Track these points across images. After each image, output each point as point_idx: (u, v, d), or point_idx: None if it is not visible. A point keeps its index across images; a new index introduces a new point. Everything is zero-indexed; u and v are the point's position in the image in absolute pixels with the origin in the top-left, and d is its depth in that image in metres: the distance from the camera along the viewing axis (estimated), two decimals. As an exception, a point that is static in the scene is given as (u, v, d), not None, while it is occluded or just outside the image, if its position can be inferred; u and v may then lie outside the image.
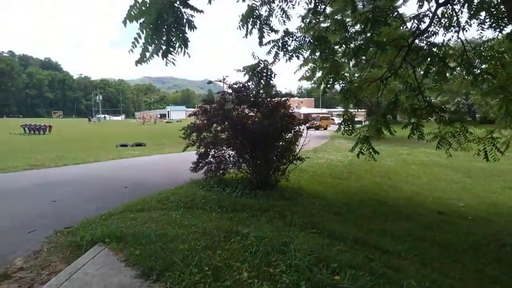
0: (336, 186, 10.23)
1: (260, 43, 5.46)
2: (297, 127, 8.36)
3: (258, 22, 5.46)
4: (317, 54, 6.34)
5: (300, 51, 5.71)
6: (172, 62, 4.39)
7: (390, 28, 6.37)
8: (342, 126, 6.78)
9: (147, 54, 4.17)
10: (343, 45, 6.24)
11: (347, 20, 7.03)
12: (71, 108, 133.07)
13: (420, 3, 6.19)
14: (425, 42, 6.39)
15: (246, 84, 8.01)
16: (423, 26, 6.14)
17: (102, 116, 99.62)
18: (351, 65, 7.43)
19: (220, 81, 8.96)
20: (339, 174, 12.19)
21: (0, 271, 3.46)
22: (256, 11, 5.48)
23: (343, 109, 7.23)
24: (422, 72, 6.49)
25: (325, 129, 45.99)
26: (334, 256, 3.72)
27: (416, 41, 6.48)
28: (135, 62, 4.16)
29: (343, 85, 6.58)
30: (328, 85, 6.36)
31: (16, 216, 5.55)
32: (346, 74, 7.18)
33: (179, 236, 4.03)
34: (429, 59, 5.90)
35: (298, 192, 8.44)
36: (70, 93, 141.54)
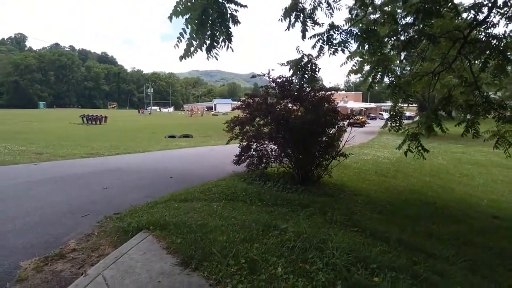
0: (381, 184, 9.89)
1: (303, 37, 5.35)
2: (341, 122, 8.17)
3: (302, 15, 5.36)
4: (365, 47, 6.10)
5: (347, 44, 5.53)
6: (215, 57, 4.46)
7: (444, 20, 5.97)
8: (389, 122, 6.52)
9: (192, 49, 4.26)
10: (393, 38, 5.96)
11: (397, 11, 6.70)
12: (125, 100, 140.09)
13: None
14: (483, 33, 5.91)
15: (290, 79, 7.99)
16: (481, 16, 5.69)
17: (154, 108, 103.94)
18: (401, 58, 7.10)
19: (264, 75, 8.96)
20: (385, 172, 11.77)
21: (56, 251, 3.75)
22: (300, 5, 5.39)
23: (392, 104, 6.93)
24: (479, 66, 6.04)
25: (362, 126, 33.79)
26: (374, 256, 3.62)
27: (474, 32, 6.02)
28: (179, 57, 4.28)
29: (392, 79, 6.29)
30: (376, 80, 6.11)
31: (72, 201, 5.98)
32: (395, 68, 6.87)
33: (218, 227, 4.12)
34: (487, 52, 5.47)
35: (341, 188, 8.28)
36: (124, 86, 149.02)
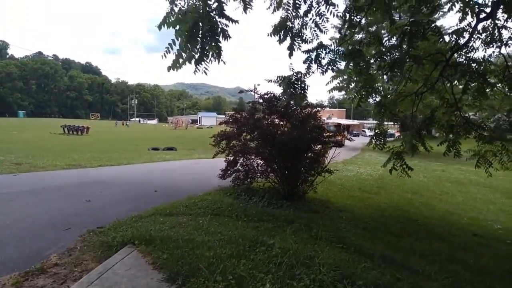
0: (364, 200, 10.01)
1: (290, 55, 5.48)
2: (326, 139, 8.29)
3: (290, 34, 5.49)
4: (351, 67, 6.28)
5: (335, 64, 5.68)
6: (205, 72, 4.49)
7: (428, 42, 6.22)
8: (373, 140, 6.66)
9: (180, 61, 4.28)
10: (378, 59, 6.15)
11: (382, 32, 6.94)
12: (108, 111, 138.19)
13: (463, 16, 6.00)
14: (464, 57, 6.18)
15: (277, 95, 8.10)
16: (462, 41, 5.96)
17: (137, 119, 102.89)
18: (385, 79, 7.32)
19: (251, 90, 9.05)
20: (368, 188, 11.93)
21: (37, 266, 3.64)
22: (289, 23, 5.52)
23: (375, 122, 7.10)
24: (460, 87, 6.28)
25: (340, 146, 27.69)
26: (360, 273, 3.65)
27: (455, 55, 6.29)
28: (167, 67, 4.29)
29: (378, 98, 6.47)
30: (363, 99, 6.26)
31: (54, 214, 5.83)
32: (380, 87, 7.07)
33: (205, 243, 4.09)
34: (468, 75, 5.71)
35: (326, 204, 8.33)
36: (108, 97, 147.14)
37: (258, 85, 9.00)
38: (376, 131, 6.66)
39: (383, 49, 6.14)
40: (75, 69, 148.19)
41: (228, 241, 4.22)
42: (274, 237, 4.62)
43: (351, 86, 7.83)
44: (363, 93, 6.42)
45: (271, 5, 5.87)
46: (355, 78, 6.77)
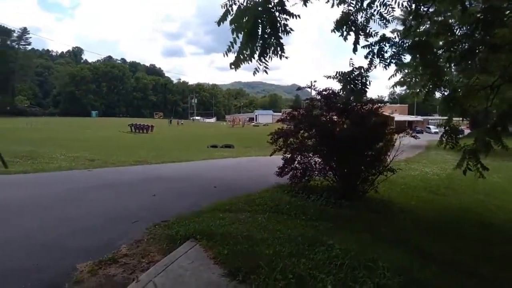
0: (430, 201, 9.41)
1: (355, 50, 5.27)
2: (389, 136, 7.91)
3: (354, 28, 5.29)
4: (417, 60, 5.90)
5: (399, 57, 5.37)
6: (265, 71, 4.51)
7: (507, 29, 5.63)
8: (444, 138, 6.21)
9: (241, 57, 4.34)
10: (449, 50, 5.70)
11: (451, 21, 6.43)
12: (170, 110, 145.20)
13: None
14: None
15: (336, 91, 7.90)
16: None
17: (197, 118, 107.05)
18: (453, 70, 6.78)
19: (308, 87, 8.93)
20: (434, 189, 11.19)
21: (109, 255, 3.91)
22: (352, 17, 5.32)
23: (441, 118, 6.61)
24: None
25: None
26: (427, 279, 3.43)
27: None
28: (230, 64, 4.37)
29: (446, 92, 6.00)
30: (429, 93, 5.86)
31: (123, 207, 6.25)
32: (449, 80, 6.56)
33: (264, 240, 4.11)
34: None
35: (387, 205, 7.98)
36: (170, 96, 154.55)
37: (315, 81, 8.90)
38: (446, 128, 6.20)
39: (454, 39, 5.67)
40: (140, 71, 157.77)
41: (287, 240, 4.20)
42: (333, 237, 4.50)
43: (416, 80, 7.37)
44: (430, 87, 6.01)
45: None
46: (421, 71, 6.36)
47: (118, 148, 20.72)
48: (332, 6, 5.61)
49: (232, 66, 4.33)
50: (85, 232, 4.83)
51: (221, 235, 4.24)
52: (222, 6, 4.27)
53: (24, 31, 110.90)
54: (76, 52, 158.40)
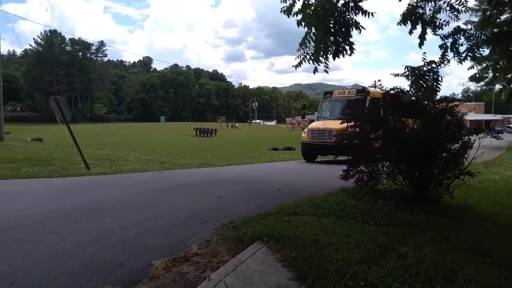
0: (516, 208, 8.48)
1: (421, 44, 4.97)
2: (466, 137, 7.30)
3: (421, 21, 4.99)
4: (498, 53, 5.38)
5: (476, 50, 4.95)
6: (325, 70, 4.46)
7: None
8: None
9: (307, 57, 4.34)
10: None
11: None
12: (232, 114, 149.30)
13: None
14: None
15: (404, 90, 7.49)
16: None
17: (258, 121, 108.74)
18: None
19: (373, 86, 8.57)
20: (520, 194, 10.07)
21: (181, 254, 4.11)
22: (419, 9, 5.02)
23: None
24: None
25: None
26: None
27: None
28: (295, 66, 4.40)
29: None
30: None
31: (192, 207, 6.53)
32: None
33: (332, 245, 4.02)
34: None
35: (464, 211, 7.35)
36: (232, 101, 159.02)
37: (379, 81, 8.45)
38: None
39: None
40: (204, 77, 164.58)
41: (355, 245, 4.06)
42: (406, 245, 4.26)
43: (496, 75, 6.73)
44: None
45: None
46: (503, 65, 5.79)
47: (185, 150, 21.78)
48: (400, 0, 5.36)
49: (297, 68, 4.35)
50: (159, 230, 5.13)
51: (288, 238, 4.23)
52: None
53: (101, 44, 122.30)
54: (146, 61, 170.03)
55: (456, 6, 5.11)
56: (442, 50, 5.21)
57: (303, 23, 4.30)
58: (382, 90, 8.11)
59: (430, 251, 4.07)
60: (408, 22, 5.00)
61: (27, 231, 5.02)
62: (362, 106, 12.77)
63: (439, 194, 7.53)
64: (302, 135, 17.19)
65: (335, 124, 12.85)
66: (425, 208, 6.88)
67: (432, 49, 5.40)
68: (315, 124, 16.47)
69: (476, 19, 7.56)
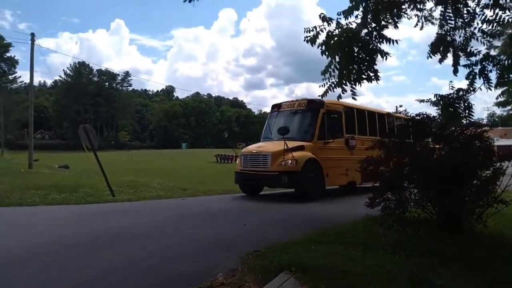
0: (556, 239, 7.98)
1: (455, 72, 4.93)
2: (497, 164, 7.05)
3: (451, 49, 4.97)
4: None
5: (506, 77, 4.86)
6: (353, 97, 4.47)
7: None
8: None
9: (333, 85, 4.37)
10: None
11: None
12: (252, 140, 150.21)
13: None
14: None
15: (431, 116, 7.38)
16: None
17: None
18: None
19: (400, 112, 8.49)
20: (559, 224, 9.50)
21: (207, 283, 4.05)
22: (449, 37, 5.02)
23: None
24: None
25: None
26: None
27: None
28: (321, 95, 4.43)
29: None
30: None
31: (216, 235, 6.50)
32: None
33: (362, 276, 3.89)
34: None
35: (501, 241, 6.97)
36: (252, 127, 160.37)
37: (401, 106, 8.37)
38: None
39: None
40: (224, 105, 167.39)
41: (387, 276, 3.92)
42: (441, 277, 4.07)
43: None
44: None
45: (418, 22, 5.47)
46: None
47: (206, 177, 21.91)
48: (421, 28, 5.39)
49: (323, 96, 4.37)
50: (184, 258, 5.10)
51: (316, 268, 4.13)
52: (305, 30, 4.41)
53: (127, 74, 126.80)
54: (169, 90, 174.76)
55: (489, 32, 5.08)
56: (471, 77, 5.14)
57: (327, 52, 4.37)
58: (407, 116, 8.03)
59: (466, 283, 3.88)
60: (437, 52, 4.99)
61: (55, 258, 5.10)
62: (314, 122, 11.94)
63: (471, 223, 7.21)
64: (237, 161, 14.28)
65: (273, 147, 11.20)
66: (457, 237, 6.59)
67: (452, 74, 5.36)
68: (250, 147, 13.26)
69: (499, 44, 7.47)
